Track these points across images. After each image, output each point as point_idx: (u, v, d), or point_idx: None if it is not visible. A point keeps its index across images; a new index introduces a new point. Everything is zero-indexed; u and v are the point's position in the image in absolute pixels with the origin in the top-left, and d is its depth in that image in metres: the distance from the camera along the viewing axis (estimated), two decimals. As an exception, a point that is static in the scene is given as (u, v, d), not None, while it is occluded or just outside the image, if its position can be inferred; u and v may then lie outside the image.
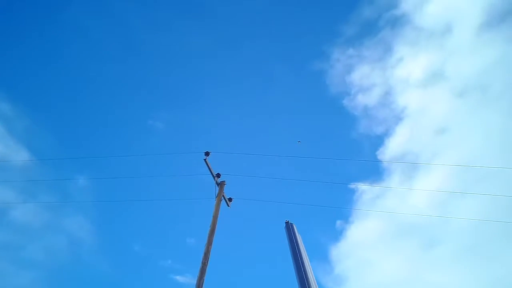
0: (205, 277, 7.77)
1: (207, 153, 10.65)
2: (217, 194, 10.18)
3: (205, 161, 10.46)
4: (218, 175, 10.57)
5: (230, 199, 10.74)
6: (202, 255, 8.21)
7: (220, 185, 10.46)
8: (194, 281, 7.71)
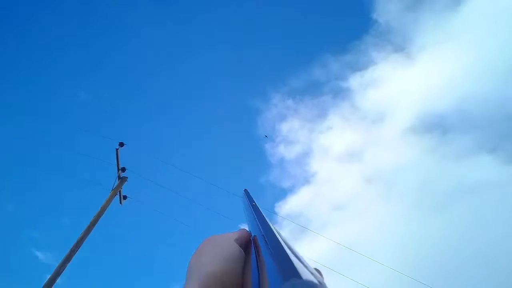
0: (69, 265, 7.34)
1: (121, 144, 10.36)
2: (114, 187, 9.85)
3: (116, 151, 10.15)
4: (123, 169, 10.28)
5: (125, 197, 10.42)
6: (74, 242, 7.78)
7: (122, 180, 10.15)
8: (55, 264, 7.24)
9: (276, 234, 0.37)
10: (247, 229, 0.50)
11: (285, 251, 0.31)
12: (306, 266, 0.28)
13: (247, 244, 0.46)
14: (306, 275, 0.26)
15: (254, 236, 0.45)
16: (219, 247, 0.43)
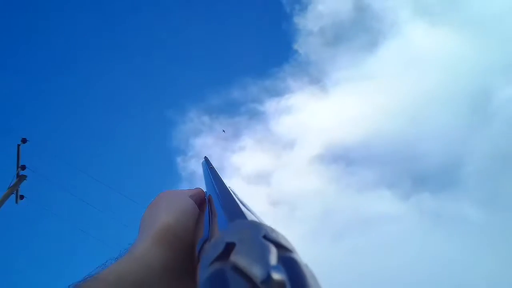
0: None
1: (23, 140, 9.82)
2: (11, 185, 9.27)
3: (18, 147, 9.60)
4: (23, 167, 9.73)
5: (22, 197, 9.83)
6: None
7: (20, 178, 9.59)
8: None
9: (231, 192, 0.38)
10: (203, 189, 0.51)
11: (235, 201, 0.33)
12: (256, 216, 0.29)
13: (201, 202, 0.47)
14: (252, 217, 0.27)
15: (209, 195, 0.46)
16: (173, 201, 0.43)
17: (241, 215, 0.28)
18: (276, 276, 0.16)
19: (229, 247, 0.20)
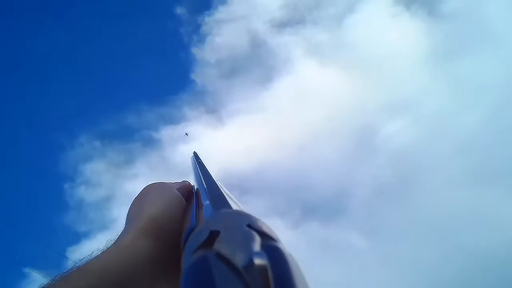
0: None
1: None
2: None
3: None
4: None
5: None
6: None
7: None
8: None
9: (218, 185, 0.38)
10: (190, 181, 0.51)
11: (221, 193, 0.34)
12: (242, 208, 0.29)
13: (188, 194, 0.47)
14: (237, 208, 0.28)
15: (197, 188, 0.47)
16: (160, 193, 0.43)
17: (227, 205, 0.29)
18: (258, 261, 0.16)
19: (213, 235, 0.20)
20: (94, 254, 0.34)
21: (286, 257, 0.18)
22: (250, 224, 0.21)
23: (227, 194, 0.34)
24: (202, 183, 0.42)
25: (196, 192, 0.47)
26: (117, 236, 0.37)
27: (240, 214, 0.23)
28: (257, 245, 0.18)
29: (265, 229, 0.21)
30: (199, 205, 0.39)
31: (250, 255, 0.17)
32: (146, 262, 0.34)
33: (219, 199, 0.32)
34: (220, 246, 0.19)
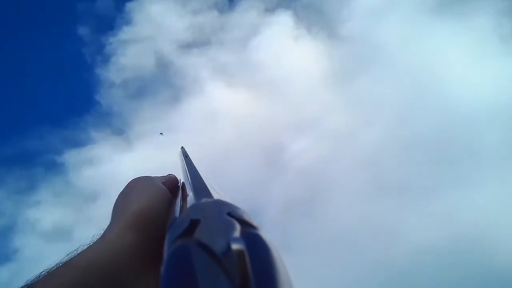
0: None
1: None
2: None
3: None
4: None
5: None
6: None
7: None
8: None
9: (202, 177, 0.39)
10: (175, 175, 0.51)
11: (204, 184, 0.34)
12: (224, 198, 0.28)
13: (174, 188, 0.47)
14: (218, 197, 0.27)
15: (183, 182, 0.48)
16: (145, 187, 0.43)
17: (208, 195, 0.30)
18: (235, 246, 0.16)
19: (193, 224, 0.20)
20: (80, 249, 0.34)
21: (265, 244, 0.18)
22: (230, 213, 0.21)
23: (211, 186, 0.34)
24: (188, 176, 0.43)
25: (182, 186, 0.48)
26: (103, 231, 0.38)
27: (220, 203, 0.23)
28: (236, 233, 0.19)
29: (245, 217, 0.21)
30: (184, 198, 0.40)
31: (228, 241, 0.17)
32: (132, 256, 0.34)
33: (201, 189, 0.33)
34: (200, 234, 0.19)
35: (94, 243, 0.35)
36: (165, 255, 0.20)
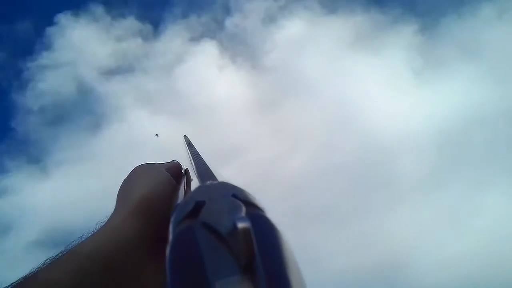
0: None
1: None
2: None
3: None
4: None
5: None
6: None
7: None
8: None
9: (206, 162, 0.39)
10: (178, 161, 0.52)
11: (208, 168, 0.35)
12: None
13: (178, 174, 0.47)
14: (223, 180, 0.27)
15: (186, 168, 0.49)
16: (149, 174, 0.43)
17: (213, 178, 0.30)
18: (241, 225, 0.16)
19: (199, 205, 0.20)
20: (84, 237, 0.34)
21: (271, 224, 0.18)
22: (235, 194, 0.21)
23: (215, 170, 0.35)
24: (192, 162, 0.43)
25: (186, 171, 0.48)
26: (107, 218, 0.37)
27: (225, 185, 0.23)
28: (242, 213, 0.19)
29: (251, 199, 0.21)
30: (188, 184, 0.41)
31: (233, 221, 0.17)
32: (137, 243, 0.35)
33: (206, 173, 0.34)
34: (206, 215, 0.19)
35: (98, 231, 0.35)
36: (170, 237, 0.19)
